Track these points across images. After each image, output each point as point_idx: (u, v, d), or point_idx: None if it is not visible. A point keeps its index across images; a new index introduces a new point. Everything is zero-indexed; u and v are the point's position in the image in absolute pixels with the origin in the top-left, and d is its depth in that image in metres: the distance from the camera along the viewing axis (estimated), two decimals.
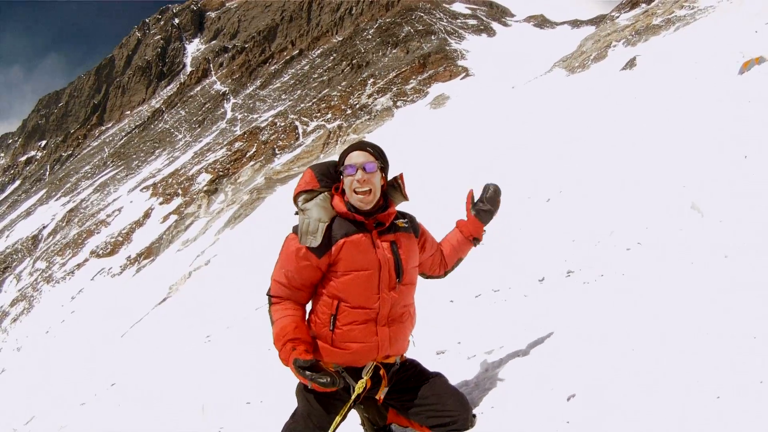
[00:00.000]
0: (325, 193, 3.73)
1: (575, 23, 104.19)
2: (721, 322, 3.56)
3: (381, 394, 3.84)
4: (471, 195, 4.59)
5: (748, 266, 4.38)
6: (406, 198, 3.93)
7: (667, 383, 3.10)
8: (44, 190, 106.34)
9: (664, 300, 4.42)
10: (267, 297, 3.88)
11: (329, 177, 3.79)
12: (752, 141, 7.59)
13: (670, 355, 3.40)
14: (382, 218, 3.72)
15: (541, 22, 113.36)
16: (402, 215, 3.95)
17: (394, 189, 3.91)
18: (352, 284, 3.62)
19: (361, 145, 3.76)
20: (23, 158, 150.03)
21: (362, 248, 3.62)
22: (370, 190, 3.63)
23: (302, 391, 3.88)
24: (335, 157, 4.06)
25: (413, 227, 3.97)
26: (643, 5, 50.02)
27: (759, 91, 11.05)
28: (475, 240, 4.46)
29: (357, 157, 3.67)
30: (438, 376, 3.95)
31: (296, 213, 3.76)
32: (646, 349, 3.64)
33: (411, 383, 3.89)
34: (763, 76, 12.54)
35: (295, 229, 3.70)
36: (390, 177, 3.95)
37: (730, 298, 3.88)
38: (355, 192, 3.61)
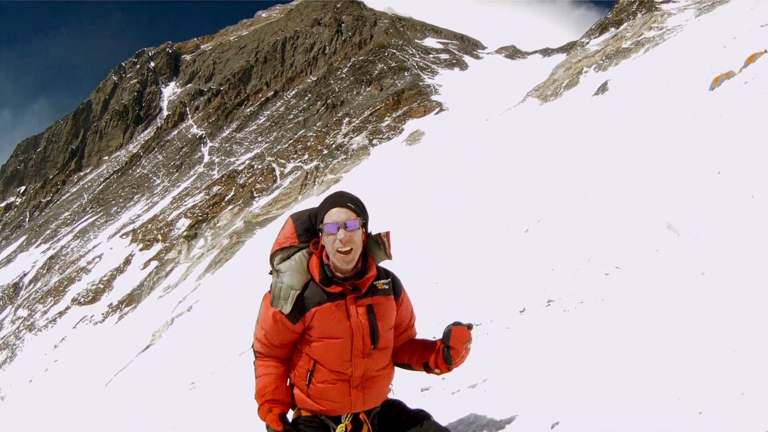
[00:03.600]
0: (303, 252, 3.66)
1: (546, 52, 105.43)
2: (701, 339, 3.56)
3: None
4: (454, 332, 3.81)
5: (724, 282, 4.40)
6: (389, 257, 3.76)
7: (649, 404, 3.09)
8: (24, 237, 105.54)
9: (643, 322, 4.42)
10: (252, 351, 3.88)
11: (310, 231, 3.71)
12: (725, 156, 7.65)
13: (652, 376, 3.40)
14: (360, 284, 3.60)
15: (513, 52, 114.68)
16: (385, 274, 3.82)
17: (376, 245, 3.74)
18: (325, 350, 3.57)
19: (342, 201, 3.59)
20: (2, 204, 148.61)
21: (334, 317, 3.54)
22: (352, 249, 3.49)
23: None
24: (314, 199, 3.97)
25: (394, 288, 3.83)
26: (612, 29, 50.67)
27: (730, 106, 11.16)
28: (426, 365, 3.93)
29: (338, 215, 3.51)
30: (421, 414, 3.87)
31: (270, 273, 3.69)
32: (627, 372, 3.64)
33: (394, 423, 3.83)
34: (734, 91, 12.67)
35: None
36: (373, 230, 3.81)
37: (709, 315, 3.90)
38: (337, 251, 3.47)
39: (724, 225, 5.54)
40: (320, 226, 3.56)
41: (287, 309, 3.50)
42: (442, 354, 3.77)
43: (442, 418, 4.50)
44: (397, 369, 4.05)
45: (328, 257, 3.58)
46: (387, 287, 3.74)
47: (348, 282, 3.57)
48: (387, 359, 3.83)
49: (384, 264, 3.89)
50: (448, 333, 3.74)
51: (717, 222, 5.72)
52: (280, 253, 3.67)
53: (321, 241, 3.59)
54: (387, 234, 3.77)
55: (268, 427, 3.54)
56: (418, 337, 4.21)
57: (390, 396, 4.00)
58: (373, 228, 3.82)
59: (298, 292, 3.53)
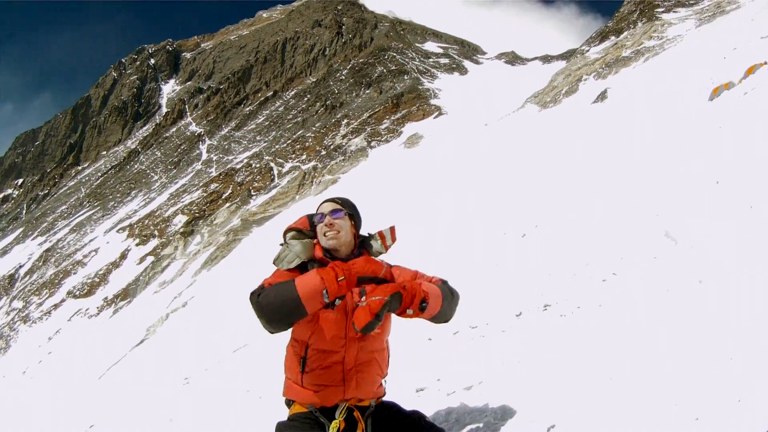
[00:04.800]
0: (311, 240, 3.87)
1: (546, 58, 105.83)
2: (697, 346, 3.58)
3: None
4: None
5: (721, 290, 4.43)
6: (385, 250, 3.99)
7: (645, 408, 3.11)
8: (21, 229, 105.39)
9: (640, 328, 4.44)
10: (256, 294, 3.51)
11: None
12: (723, 166, 7.68)
13: (648, 380, 3.42)
14: None
15: (513, 58, 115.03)
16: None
17: (375, 240, 3.97)
18: (319, 327, 3.63)
19: (331, 198, 3.99)
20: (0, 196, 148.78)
21: None
22: (338, 231, 3.76)
23: (281, 430, 3.79)
24: (311, 199, 4.14)
25: (388, 274, 3.89)
26: (613, 38, 50.75)
27: (729, 116, 11.19)
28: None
29: (326, 207, 3.88)
30: (416, 414, 3.87)
31: (281, 244, 3.88)
32: (623, 377, 3.66)
33: (389, 423, 3.82)
34: (733, 102, 12.71)
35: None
36: (373, 230, 4.05)
37: (706, 322, 3.91)
38: (324, 235, 3.76)
39: (723, 234, 5.56)
40: (314, 219, 3.89)
41: (288, 266, 3.72)
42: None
43: (437, 420, 4.53)
44: (391, 370, 4.06)
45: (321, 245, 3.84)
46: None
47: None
48: (381, 343, 3.90)
49: (381, 258, 4.00)
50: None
51: (715, 231, 5.74)
52: (293, 231, 3.91)
53: (317, 234, 3.86)
54: (391, 228, 4.02)
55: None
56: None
57: (385, 398, 4.02)
58: (372, 228, 4.07)
59: (303, 260, 3.74)
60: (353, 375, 3.71)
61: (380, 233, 3.99)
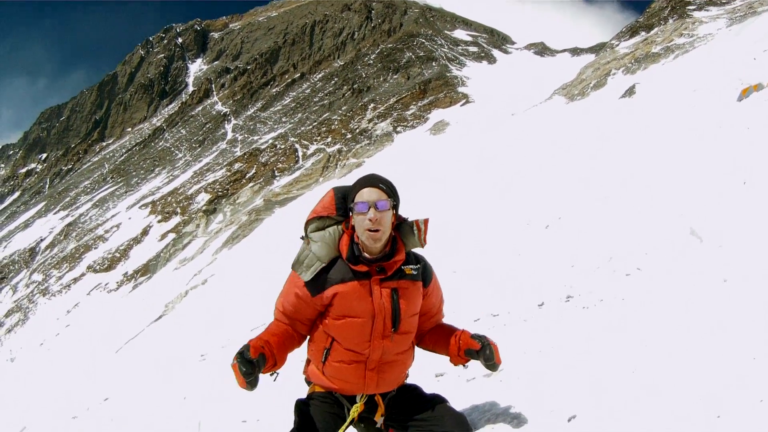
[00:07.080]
0: (337, 227, 3.65)
1: (575, 51, 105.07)
2: (721, 344, 3.57)
3: (379, 420, 3.77)
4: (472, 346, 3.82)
5: (747, 290, 4.40)
6: (422, 244, 3.65)
7: (668, 404, 3.10)
8: (43, 203, 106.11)
9: (664, 324, 4.43)
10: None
11: (347, 206, 3.66)
12: (751, 167, 7.62)
13: (671, 376, 3.41)
14: (387, 266, 3.54)
15: (542, 49, 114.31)
16: (415, 260, 3.76)
17: (410, 231, 3.64)
18: (344, 329, 3.55)
19: (374, 181, 3.56)
20: (23, 170, 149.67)
21: (357, 296, 3.50)
22: (380, 229, 3.45)
23: (300, 408, 3.77)
24: (335, 182, 3.93)
25: (424, 275, 3.78)
26: (643, 33, 50.21)
27: (757, 117, 11.08)
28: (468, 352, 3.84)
29: (369, 194, 3.48)
30: (437, 398, 3.86)
31: (302, 237, 3.68)
32: (646, 370, 3.65)
33: (410, 406, 3.81)
34: (762, 103, 12.57)
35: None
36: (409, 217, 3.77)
37: (730, 321, 3.90)
38: (367, 230, 3.43)
39: (749, 235, 5.53)
40: (351, 205, 3.53)
41: (307, 277, 3.50)
42: (486, 367, 3.76)
43: (456, 405, 4.53)
44: (416, 356, 4.04)
45: (358, 237, 3.54)
46: (415, 273, 3.68)
47: (375, 263, 3.53)
48: (407, 344, 3.79)
49: (417, 251, 3.84)
50: (491, 355, 3.69)
51: (742, 231, 5.71)
52: (316, 221, 3.65)
53: (351, 220, 3.56)
54: (425, 221, 3.66)
55: (241, 351, 3.43)
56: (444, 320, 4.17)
57: (410, 373, 4.01)
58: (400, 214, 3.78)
59: (323, 265, 3.51)
60: (375, 375, 3.67)
61: (418, 223, 3.64)
